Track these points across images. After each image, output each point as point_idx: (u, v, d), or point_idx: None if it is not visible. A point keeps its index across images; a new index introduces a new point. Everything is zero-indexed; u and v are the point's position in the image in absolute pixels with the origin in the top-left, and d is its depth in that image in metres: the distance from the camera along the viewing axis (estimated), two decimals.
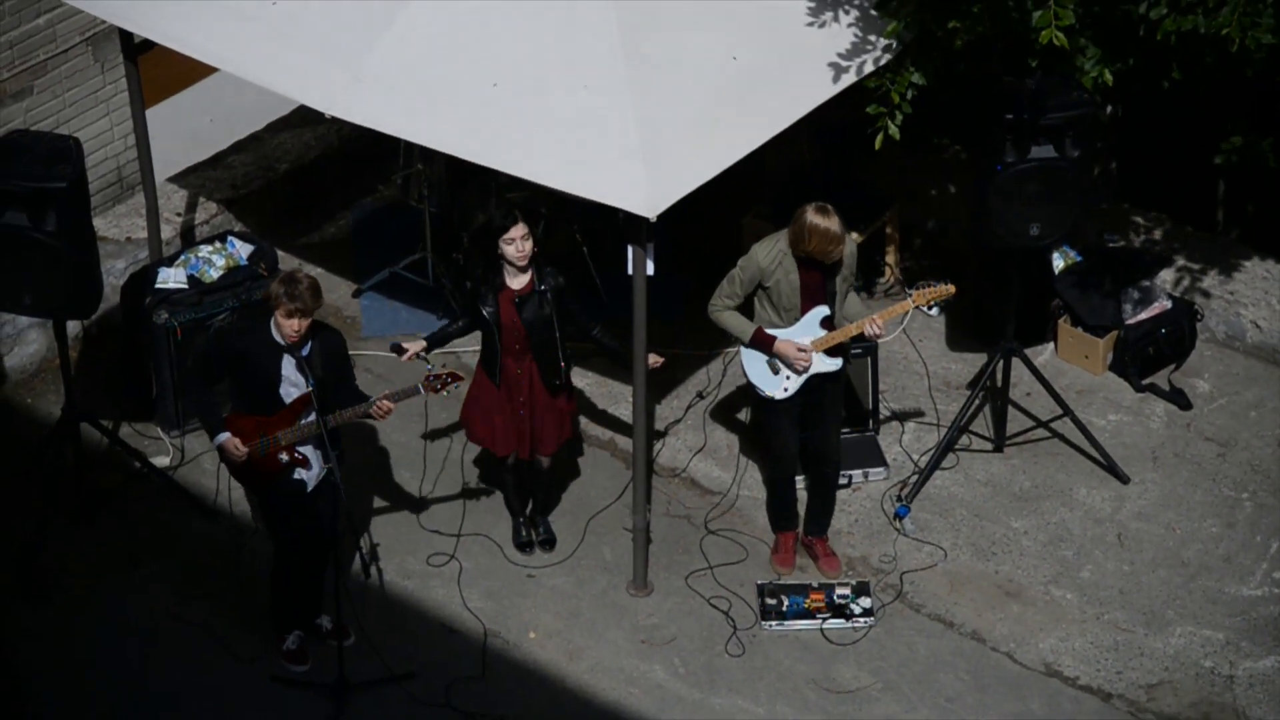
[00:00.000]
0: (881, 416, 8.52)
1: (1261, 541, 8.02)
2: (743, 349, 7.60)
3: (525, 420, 7.60)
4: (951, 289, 7.64)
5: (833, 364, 7.55)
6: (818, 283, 7.46)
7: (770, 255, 7.44)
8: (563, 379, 7.59)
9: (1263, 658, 7.52)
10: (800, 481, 8.01)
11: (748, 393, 7.84)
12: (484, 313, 7.47)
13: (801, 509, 7.93)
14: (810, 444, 7.80)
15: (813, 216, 7.32)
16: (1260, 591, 7.81)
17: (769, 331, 7.51)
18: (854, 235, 8.53)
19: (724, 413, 8.61)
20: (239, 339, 7.07)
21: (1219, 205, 9.38)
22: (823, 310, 7.49)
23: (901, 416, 8.61)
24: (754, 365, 7.60)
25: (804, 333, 7.52)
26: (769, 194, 9.07)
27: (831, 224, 7.30)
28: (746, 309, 7.58)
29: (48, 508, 7.88)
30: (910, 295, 7.74)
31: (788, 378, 7.54)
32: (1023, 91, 7.68)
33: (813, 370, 7.53)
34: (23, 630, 7.56)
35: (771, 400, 7.60)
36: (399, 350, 7.60)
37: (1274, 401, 8.65)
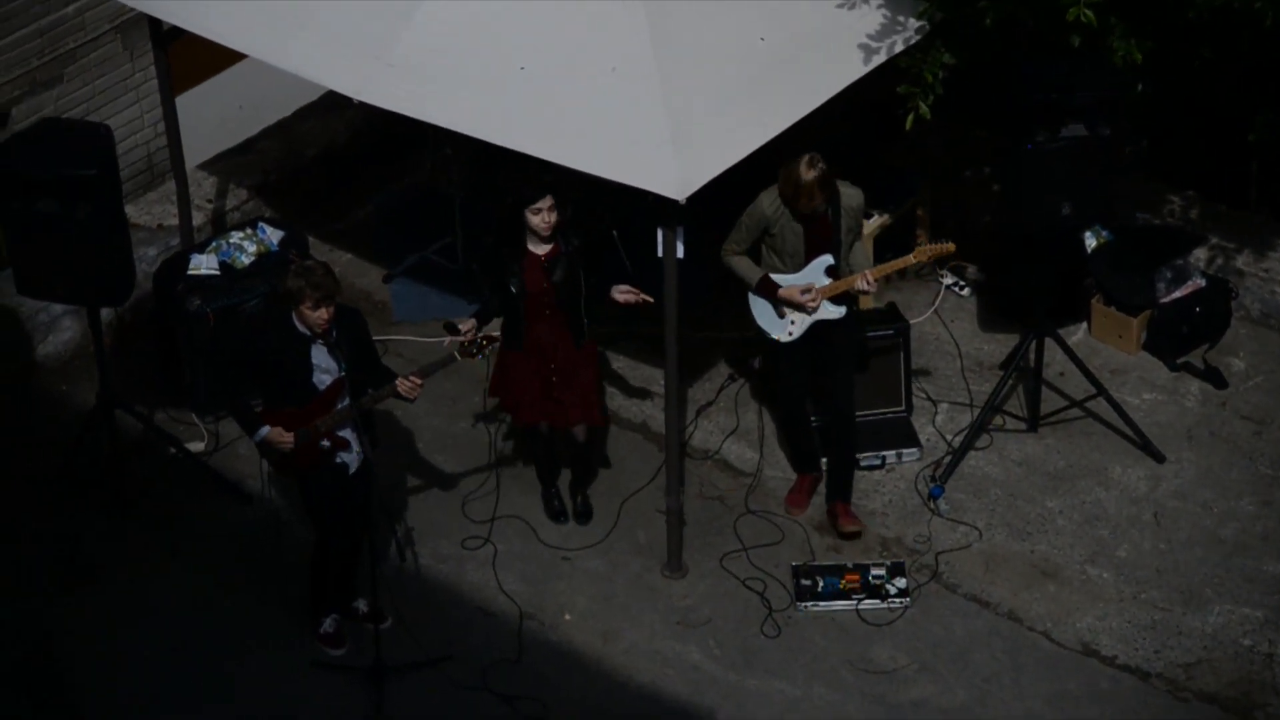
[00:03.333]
0: (914, 397, 8.50)
1: None
2: (750, 294, 7.68)
3: (557, 386, 7.62)
4: (951, 246, 7.71)
5: (836, 311, 7.64)
6: (822, 230, 7.54)
7: (774, 204, 7.56)
8: (586, 332, 7.67)
9: None
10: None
11: (758, 340, 7.89)
12: (510, 285, 7.49)
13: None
14: (825, 396, 7.86)
15: (791, 165, 7.40)
16: None
17: (774, 278, 7.58)
18: (869, 228, 8.56)
19: (756, 395, 8.60)
20: (264, 338, 7.06)
21: (1252, 183, 9.31)
22: (827, 259, 7.58)
23: (934, 397, 8.58)
24: (760, 308, 7.71)
25: (808, 279, 7.63)
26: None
27: (807, 174, 7.38)
28: (755, 256, 7.67)
29: (86, 494, 7.90)
30: (912, 252, 7.79)
31: (792, 321, 7.64)
32: (1053, 71, 7.64)
33: (817, 316, 7.60)
34: (62, 620, 7.59)
35: (778, 343, 7.69)
36: (454, 329, 7.62)
37: None
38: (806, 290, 7.55)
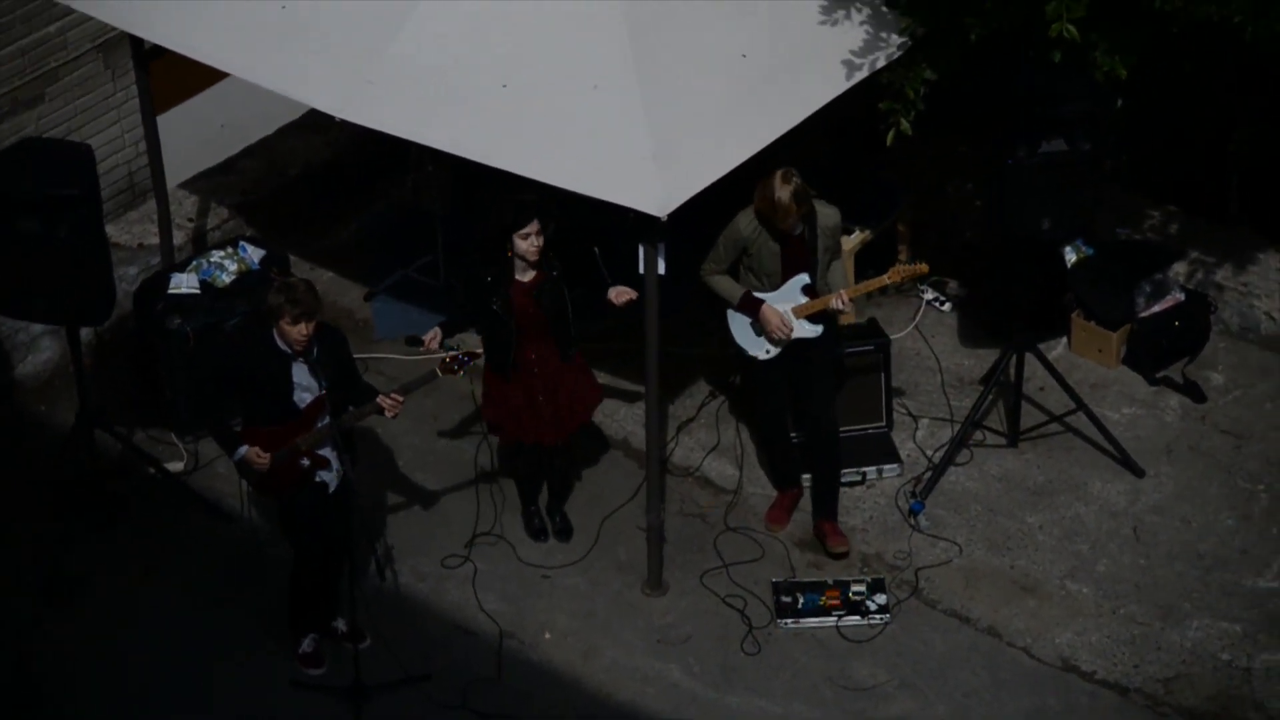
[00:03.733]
0: (895, 413, 8.51)
1: (1278, 534, 8.00)
2: (729, 311, 7.70)
3: (546, 405, 7.63)
4: (925, 267, 7.77)
5: (813, 330, 7.67)
6: (799, 250, 7.58)
7: (751, 223, 7.59)
8: (574, 347, 7.70)
9: None
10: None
11: (736, 358, 7.90)
12: (494, 308, 7.49)
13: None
14: (805, 414, 7.89)
15: (766, 183, 7.43)
16: (1277, 583, 7.78)
17: (756, 295, 7.60)
18: (850, 243, 8.58)
19: (736, 412, 8.61)
20: (244, 355, 7.06)
21: (1231, 197, 9.34)
22: (803, 278, 7.62)
23: (914, 413, 8.60)
24: (739, 326, 7.74)
25: (785, 298, 7.66)
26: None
27: (782, 191, 7.40)
28: (734, 275, 7.70)
29: (66, 514, 7.90)
30: (887, 273, 7.80)
31: (770, 340, 7.66)
32: (1033, 85, 7.66)
33: (795, 335, 7.65)
34: (42, 637, 7.59)
35: (755, 360, 7.71)
36: (416, 341, 7.62)
37: None
38: (785, 323, 7.58)
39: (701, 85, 7.50)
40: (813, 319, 7.67)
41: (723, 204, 7.75)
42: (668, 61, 7.47)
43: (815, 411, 7.82)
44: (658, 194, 7.13)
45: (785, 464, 8.03)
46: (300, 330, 6.88)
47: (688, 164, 7.28)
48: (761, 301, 7.62)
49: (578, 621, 7.70)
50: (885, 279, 7.77)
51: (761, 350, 7.71)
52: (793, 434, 8.05)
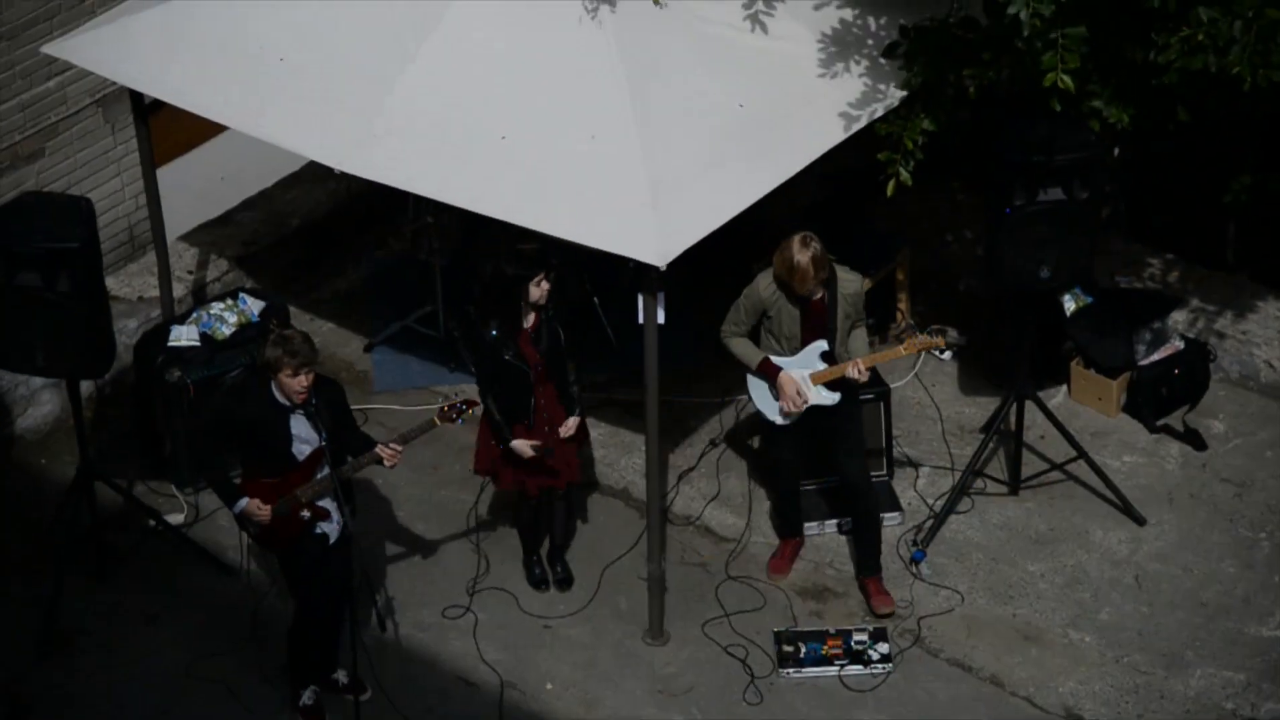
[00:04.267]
0: (895, 461, 8.51)
1: None
2: (749, 375, 7.67)
3: (555, 449, 7.63)
4: (942, 340, 7.70)
5: (831, 397, 7.63)
6: (818, 315, 7.54)
7: (770, 286, 7.57)
8: (578, 400, 7.70)
9: None
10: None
11: (756, 421, 7.87)
12: (507, 358, 7.49)
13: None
14: (834, 465, 7.87)
15: (786, 247, 7.43)
16: None
17: (774, 361, 7.57)
18: (866, 279, 8.57)
19: (737, 461, 8.61)
20: (242, 408, 7.05)
21: (1230, 245, 9.37)
22: (822, 344, 7.59)
23: (915, 461, 8.59)
24: (758, 390, 7.71)
25: (804, 364, 7.63)
26: (779, 239, 9.06)
27: (803, 255, 7.39)
28: (755, 337, 7.68)
29: (65, 567, 7.88)
30: (902, 344, 7.78)
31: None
32: (1031, 135, 7.70)
33: (810, 403, 7.62)
34: (41, 690, 7.55)
35: (773, 424, 7.68)
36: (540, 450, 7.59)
37: None
38: (800, 394, 7.54)
39: (699, 135, 7.54)
40: (831, 386, 7.62)
41: (722, 252, 7.79)
42: (665, 111, 7.51)
43: (844, 462, 7.78)
44: (656, 243, 7.15)
45: (792, 513, 8.01)
46: (300, 382, 6.89)
47: (686, 213, 7.30)
48: (779, 370, 7.58)
49: (579, 672, 7.67)
50: (901, 350, 7.74)
51: (779, 415, 7.67)
52: (810, 483, 8.00)
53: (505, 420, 7.58)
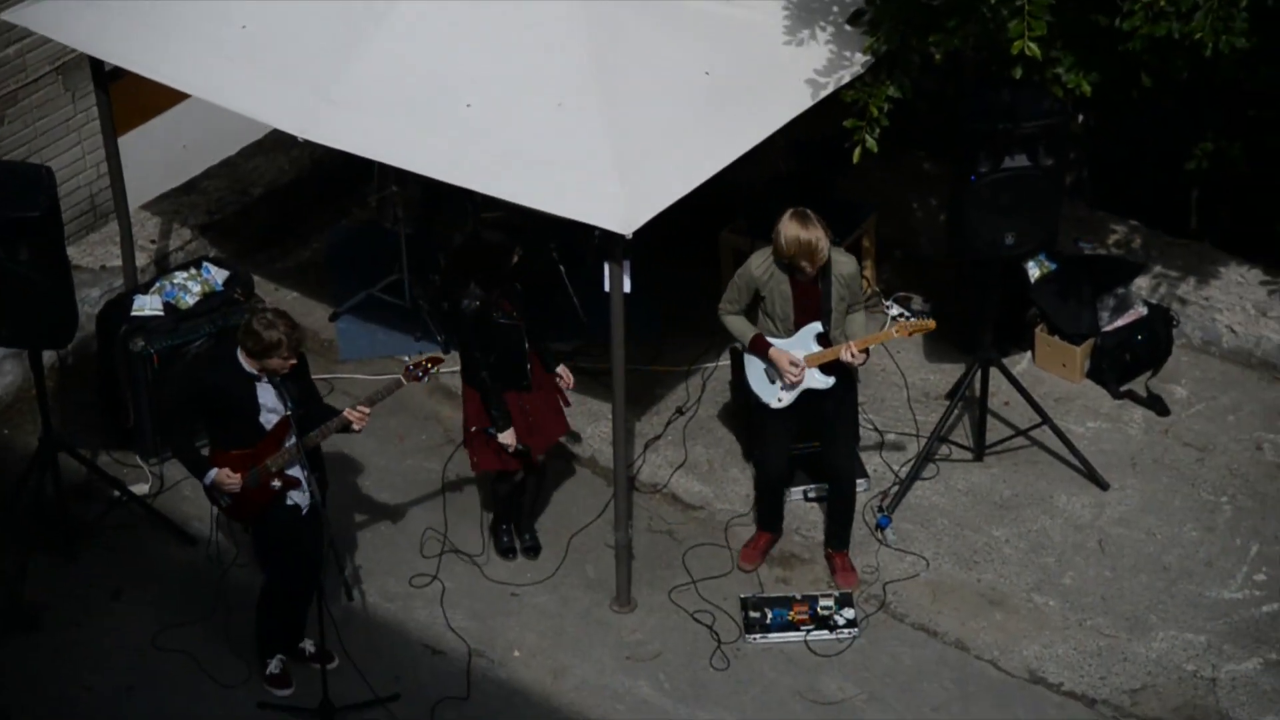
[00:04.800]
0: (861, 428, 8.52)
1: (1241, 545, 8.04)
2: (745, 353, 7.64)
3: (533, 413, 7.65)
4: (933, 324, 7.66)
5: (825, 381, 7.55)
6: (811, 295, 7.47)
7: (763, 265, 7.49)
8: (553, 357, 7.73)
9: (1245, 660, 7.54)
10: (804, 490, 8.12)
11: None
12: (499, 320, 7.47)
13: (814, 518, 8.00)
14: (823, 459, 7.87)
15: (788, 224, 7.35)
16: (1241, 594, 7.83)
17: (767, 339, 7.54)
18: (855, 261, 8.54)
19: (703, 429, 8.62)
20: (210, 376, 7.04)
21: (1192, 211, 9.43)
22: (816, 326, 7.51)
23: (881, 428, 8.62)
24: (754, 371, 7.64)
25: (798, 346, 7.55)
26: (745, 208, 9.10)
27: (806, 232, 7.31)
28: (753, 317, 7.61)
29: (29, 539, 7.84)
30: (894, 326, 7.73)
31: (783, 389, 7.57)
32: (996, 102, 7.72)
33: (804, 386, 7.55)
34: (6, 662, 7.52)
35: (766, 407, 7.63)
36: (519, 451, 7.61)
37: (1251, 405, 8.69)
38: (795, 362, 7.47)
39: (665, 102, 7.52)
40: (824, 370, 7.52)
41: (689, 220, 7.78)
42: (631, 79, 7.49)
43: (837, 463, 7.73)
44: (622, 211, 7.14)
45: (774, 511, 7.92)
46: (290, 363, 6.88)
47: (652, 181, 7.29)
48: (769, 345, 7.50)
49: (546, 639, 7.69)
50: (894, 332, 7.67)
51: (774, 398, 7.59)
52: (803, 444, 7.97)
53: (502, 385, 7.56)
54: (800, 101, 7.76)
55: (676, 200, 7.28)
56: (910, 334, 7.69)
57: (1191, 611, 7.75)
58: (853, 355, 7.43)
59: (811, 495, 8.24)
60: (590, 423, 8.61)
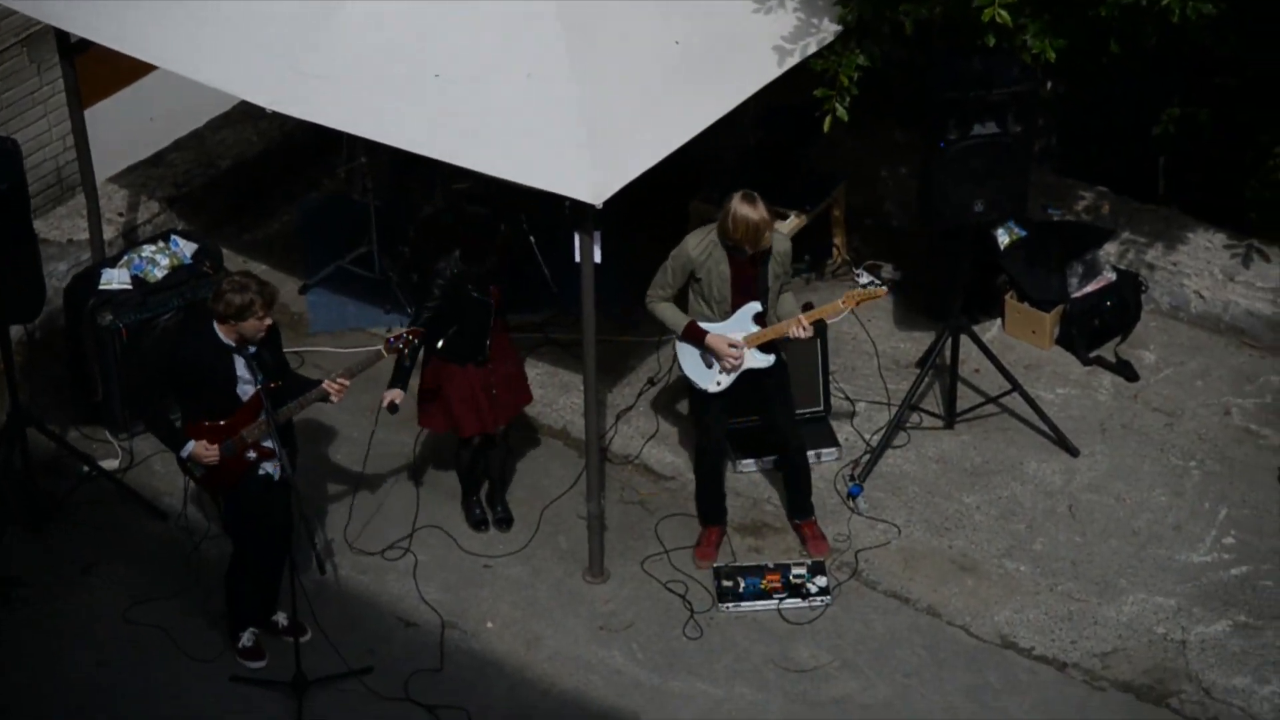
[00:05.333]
0: (832, 397, 8.56)
1: (1210, 508, 8.10)
2: (677, 341, 7.61)
3: (497, 385, 7.64)
4: (883, 291, 7.69)
5: (765, 360, 7.56)
6: (749, 276, 7.46)
7: (701, 246, 7.46)
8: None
9: (1214, 622, 7.60)
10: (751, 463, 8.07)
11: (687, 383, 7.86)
12: (473, 294, 7.46)
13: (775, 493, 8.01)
14: (768, 433, 7.86)
15: (738, 205, 7.34)
16: (1210, 558, 7.89)
17: (701, 325, 7.52)
18: (785, 227, 8.54)
19: (674, 399, 8.63)
20: (185, 348, 7.01)
21: (1160, 177, 9.45)
22: (755, 306, 7.50)
23: (852, 396, 8.65)
24: (688, 358, 7.61)
25: (736, 328, 7.53)
26: (715, 177, 9.09)
27: (756, 212, 7.31)
28: (682, 301, 7.58)
29: (1, 515, 7.82)
30: (842, 298, 7.68)
31: (721, 372, 7.56)
32: (965, 70, 7.72)
33: (745, 366, 7.55)
34: None
35: (705, 392, 7.62)
36: (394, 409, 7.56)
37: (1219, 370, 8.74)
38: (734, 344, 7.45)
39: (635, 72, 7.51)
40: (764, 349, 7.53)
41: (659, 189, 7.78)
42: (601, 49, 7.47)
43: (786, 434, 7.74)
44: (592, 181, 7.12)
45: (716, 502, 7.89)
46: (266, 323, 6.88)
47: (622, 151, 7.28)
48: (705, 332, 7.46)
49: (520, 611, 7.70)
50: (841, 304, 7.62)
51: (712, 383, 7.56)
52: (738, 422, 7.93)
53: (459, 359, 7.56)
54: (769, 71, 7.76)
55: (646, 170, 7.27)
56: (859, 304, 7.68)
57: (1161, 575, 7.81)
58: (804, 329, 7.42)
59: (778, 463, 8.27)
60: (561, 394, 8.61)
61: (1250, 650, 7.45)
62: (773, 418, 7.73)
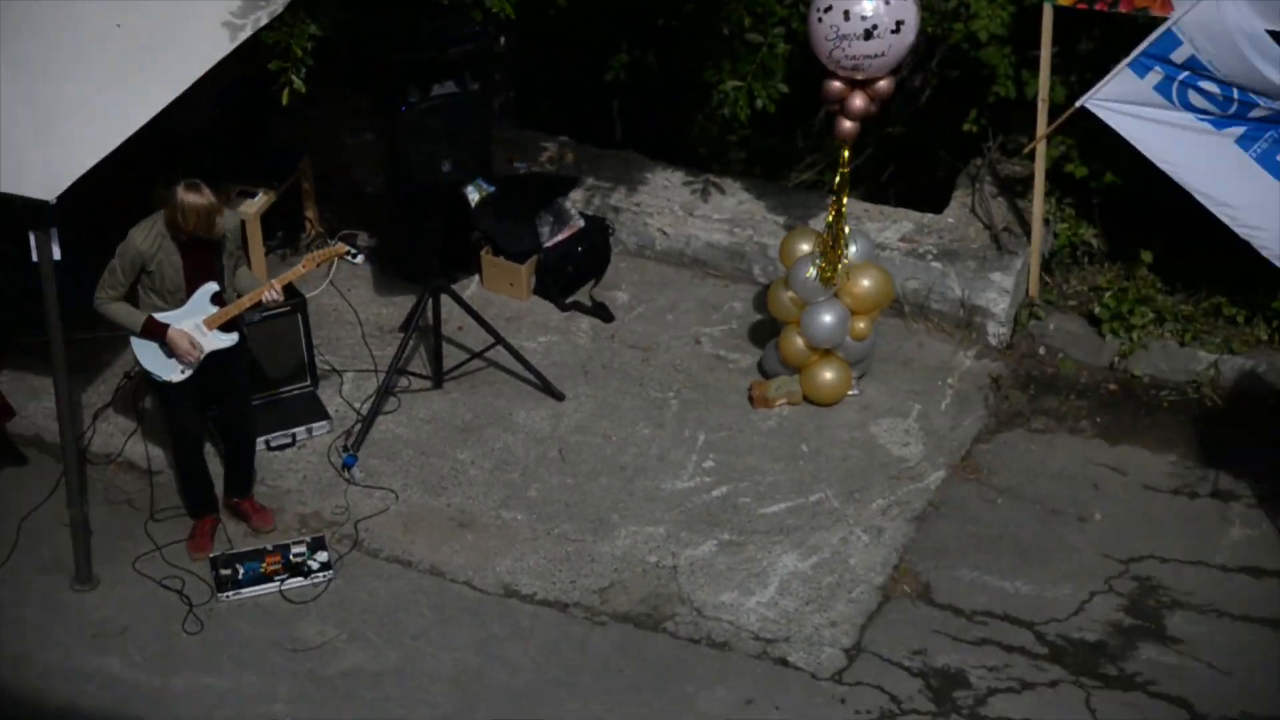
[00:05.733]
0: (319, 370, 8.55)
1: (689, 436, 8.50)
2: (133, 339, 7.47)
3: None
4: (342, 248, 7.75)
5: (228, 339, 7.52)
6: (203, 261, 7.39)
7: (149, 238, 7.33)
8: None
9: (700, 544, 7.99)
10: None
11: (145, 379, 7.73)
12: None
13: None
14: (222, 416, 7.81)
15: (185, 195, 7.25)
16: (693, 483, 8.28)
17: (159, 318, 7.40)
18: (254, 205, 8.46)
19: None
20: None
21: (616, 122, 9.79)
22: (212, 286, 7.44)
23: (338, 368, 8.66)
24: (146, 352, 7.47)
25: (195, 311, 7.44)
26: (177, 160, 8.88)
27: (204, 198, 7.25)
28: (132, 297, 7.45)
29: None
30: (302, 260, 7.69)
31: (183, 360, 7.49)
32: (418, 31, 7.78)
33: (209, 349, 7.48)
34: None
35: (169, 384, 7.52)
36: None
37: (686, 303, 9.16)
38: (194, 344, 7.37)
39: (78, 60, 7.25)
40: (225, 328, 7.47)
41: (121, 176, 7.56)
42: (37, 40, 7.18)
43: (236, 420, 7.69)
44: (43, 177, 6.87)
45: (203, 492, 7.79)
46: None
47: (73, 143, 7.05)
48: (166, 326, 7.35)
49: (5, 630, 7.38)
50: (301, 268, 7.60)
51: (175, 373, 7.44)
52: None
53: None
54: (221, 47, 7.63)
55: (103, 160, 7.05)
56: (320, 263, 7.69)
57: (650, 506, 8.15)
58: (276, 293, 7.44)
59: (274, 444, 8.22)
60: (30, 400, 8.28)
61: (735, 566, 7.88)
62: (229, 393, 7.68)
